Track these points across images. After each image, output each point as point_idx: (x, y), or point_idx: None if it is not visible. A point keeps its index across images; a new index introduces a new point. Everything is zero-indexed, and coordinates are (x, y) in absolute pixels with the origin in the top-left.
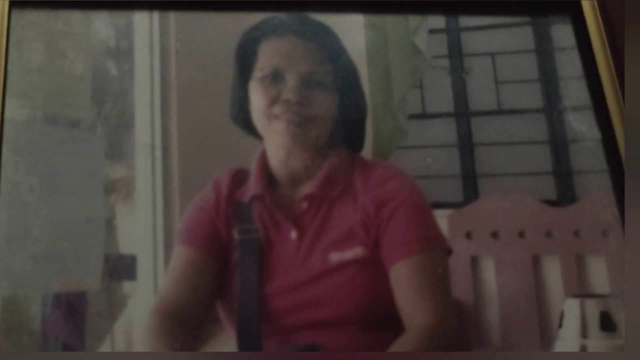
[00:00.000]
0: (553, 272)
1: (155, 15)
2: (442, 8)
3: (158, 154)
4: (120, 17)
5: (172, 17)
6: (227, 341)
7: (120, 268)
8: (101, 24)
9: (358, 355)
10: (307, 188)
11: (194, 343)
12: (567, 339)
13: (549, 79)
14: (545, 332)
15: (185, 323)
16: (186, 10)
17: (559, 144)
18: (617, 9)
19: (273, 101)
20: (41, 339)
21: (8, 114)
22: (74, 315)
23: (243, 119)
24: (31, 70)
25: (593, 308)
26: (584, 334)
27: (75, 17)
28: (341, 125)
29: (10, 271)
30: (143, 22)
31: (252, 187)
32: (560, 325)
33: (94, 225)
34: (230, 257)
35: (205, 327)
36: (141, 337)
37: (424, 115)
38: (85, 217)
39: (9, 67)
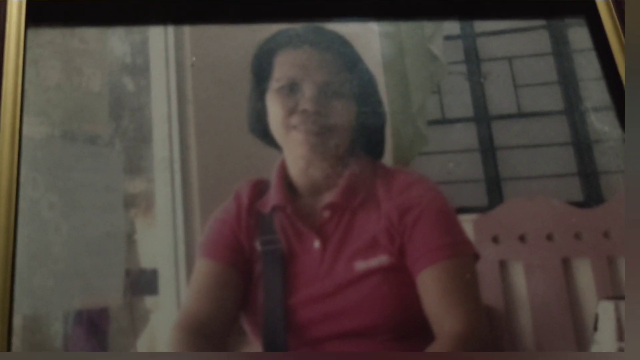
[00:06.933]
0: (584, 275)
1: (170, 30)
2: (456, 12)
3: (177, 167)
4: (135, 34)
5: (187, 31)
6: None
7: (142, 283)
8: (117, 41)
9: (365, 355)
10: (329, 197)
11: None
12: (604, 343)
13: (568, 81)
14: (581, 336)
15: (209, 337)
16: (200, 23)
17: (582, 145)
18: None
19: (291, 112)
20: None
21: (26, 131)
22: (96, 332)
23: (261, 130)
24: (48, 88)
25: None
26: (620, 336)
27: (91, 35)
28: (361, 133)
29: (31, 289)
30: (158, 37)
31: (273, 197)
32: (595, 329)
33: (115, 241)
34: (253, 269)
35: (230, 340)
36: None
37: (444, 121)
38: (105, 233)
39: (26, 86)
